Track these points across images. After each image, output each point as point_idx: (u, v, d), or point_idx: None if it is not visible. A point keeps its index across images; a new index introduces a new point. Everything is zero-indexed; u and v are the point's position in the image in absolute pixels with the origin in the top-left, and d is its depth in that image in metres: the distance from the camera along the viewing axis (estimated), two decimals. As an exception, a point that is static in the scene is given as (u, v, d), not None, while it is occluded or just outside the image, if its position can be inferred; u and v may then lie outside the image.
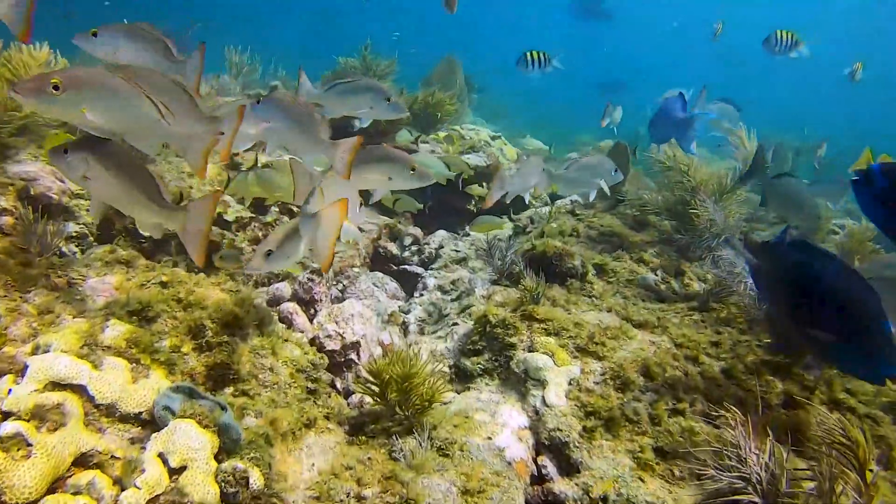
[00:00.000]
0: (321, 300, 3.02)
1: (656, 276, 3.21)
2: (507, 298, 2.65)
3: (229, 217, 3.35)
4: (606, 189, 3.27)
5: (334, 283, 3.46)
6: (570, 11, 13.85)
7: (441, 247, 3.73)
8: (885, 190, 1.31)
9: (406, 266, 3.68)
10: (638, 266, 3.27)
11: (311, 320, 2.84)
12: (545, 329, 2.33)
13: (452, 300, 3.06)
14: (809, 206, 3.14)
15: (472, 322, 2.52)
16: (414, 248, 3.85)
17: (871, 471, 1.58)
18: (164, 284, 2.16)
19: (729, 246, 3.20)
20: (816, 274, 1.59)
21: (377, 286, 3.41)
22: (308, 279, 3.01)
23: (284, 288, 3.03)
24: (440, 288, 3.27)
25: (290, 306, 2.75)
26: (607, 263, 3.06)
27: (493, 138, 5.11)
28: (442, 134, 4.64)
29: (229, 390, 1.91)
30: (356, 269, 3.61)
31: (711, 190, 3.49)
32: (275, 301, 2.94)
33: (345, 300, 3.23)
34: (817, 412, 2.05)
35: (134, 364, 1.74)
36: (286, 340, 2.21)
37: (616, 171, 3.21)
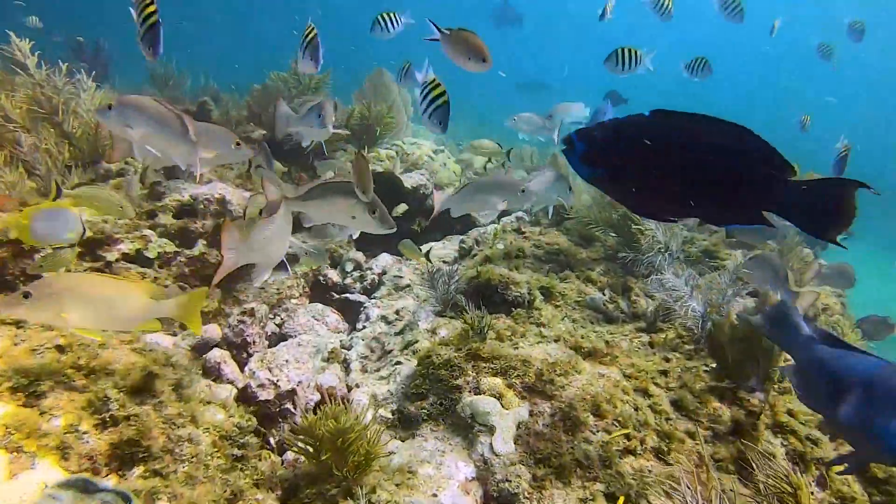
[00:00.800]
0: (254, 342, 2.79)
1: (604, 295, 3.17)
2: (452, 333, 2.53)
3: (150, 253, 3.07)
4: (567, 205, 3.22)
5: (271, 317, 3.24)
6: (492, 19, 14.81)
7: (384, 272, 3.56)
8: (583, 150, 1.48)
9: (348, 295, 3.50)
10: (585, 286, 3.23)
11: (243, 365, 2.62)
12: (492, 369, 2.22)
13: (396, 333, 2.90)
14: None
15: (416, 362, 2.38)
16: (356, 274, 3.67)
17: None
18: (61, 349, 1.90)
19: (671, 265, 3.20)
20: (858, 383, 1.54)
21: (317, 319, 3.21)
22: (239, 321, 2.79)
23: (214, 331, 2.80)
24: (384, 318, 3.11)
25: (218, 354, 2.52)
26: (555, 287, 3.00)
27: (437, 152, 4.98)
28: (384, 152, 4.46)
29: (138, 471, 1.68)
30: (294, 301, 3.40)
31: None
32: (203, 347, 2.70)
33: (282, 338, 3.03)
34: (762, 442, 2.06)
35: (14, 454, 1.49)
36: (208, 403, 1.99)
37: (570, 187, 3.16)
